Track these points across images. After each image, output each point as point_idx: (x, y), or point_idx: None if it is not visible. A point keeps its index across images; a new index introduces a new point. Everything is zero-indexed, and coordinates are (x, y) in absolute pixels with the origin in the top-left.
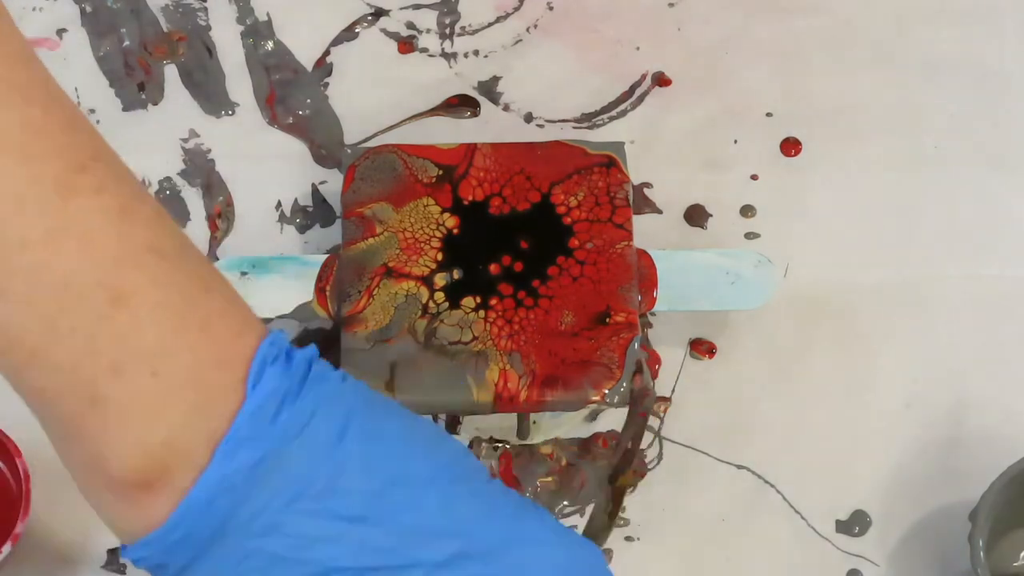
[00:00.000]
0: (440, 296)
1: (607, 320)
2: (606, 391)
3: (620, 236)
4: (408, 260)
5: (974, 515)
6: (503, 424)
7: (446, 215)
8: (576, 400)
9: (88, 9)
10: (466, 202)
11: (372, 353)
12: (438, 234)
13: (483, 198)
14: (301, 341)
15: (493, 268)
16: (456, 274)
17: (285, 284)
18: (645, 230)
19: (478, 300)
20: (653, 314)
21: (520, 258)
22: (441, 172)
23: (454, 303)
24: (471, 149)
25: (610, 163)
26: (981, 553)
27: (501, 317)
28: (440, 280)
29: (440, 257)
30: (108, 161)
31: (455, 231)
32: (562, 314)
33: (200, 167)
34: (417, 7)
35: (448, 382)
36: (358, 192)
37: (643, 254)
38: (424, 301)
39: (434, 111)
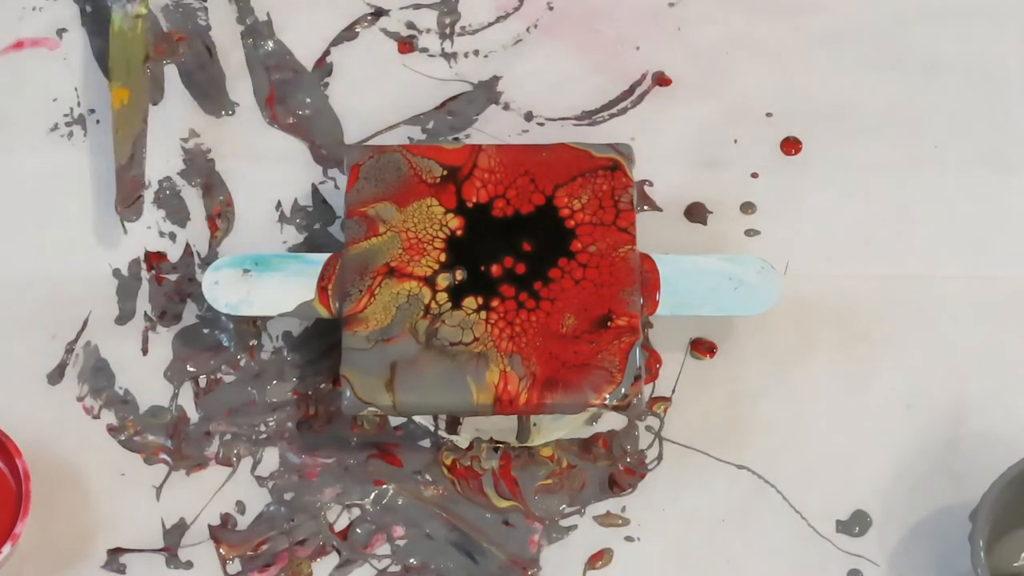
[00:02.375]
0: (442, 297)
1: (608, 324)
2: (606, 395)
3: (623, 240)
4: (411, 260)
5: (974, 515)
6: (503, 426)
7: (449, 216)
8: (576, 403)
9: (88, 9)
10: (470, 203)
11: (373, 352)
12: (441, 235)
13: (487, 199)
14: (304, 339)
15: (495, 270)
16: (459, 275)
17: (287, 282)
18: (645, 227)
19: (480, 301)
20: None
21: (523, 260)
22: (445, 172)
23: (456, 304)
24: (476, 150)
25: (614, 166)
26: (981, 553)
27: (503, 319)
28: (442, 281)
29: (443, 258)
30: None
31: (458, 232)
32: (563, 317)
33: (200, 167)
34: (417, 7)
35: (448, 383)
36: (362, 191)
37: (646, 258)
38: (426, 301)
39: (434, 111)
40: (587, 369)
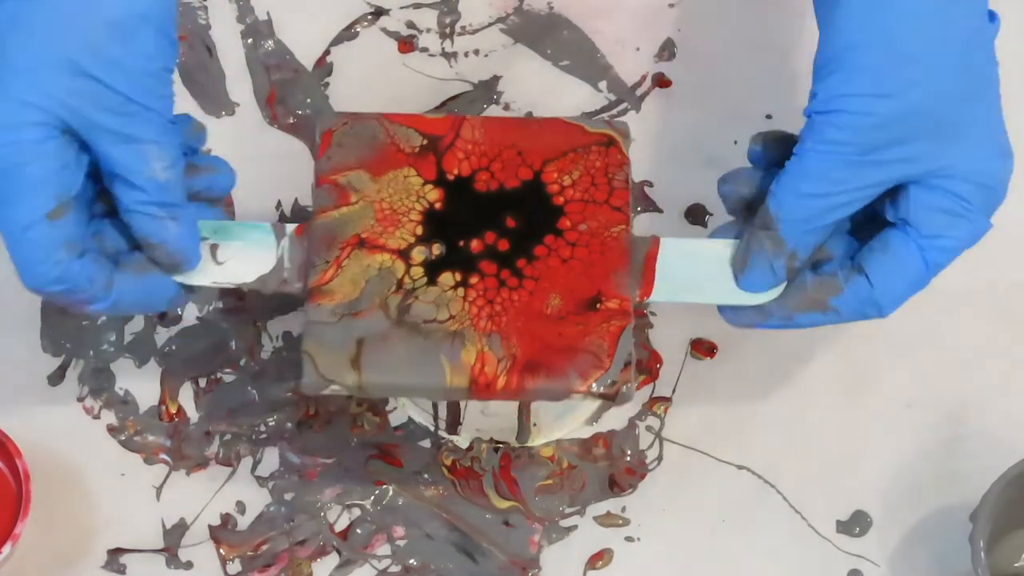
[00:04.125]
0: (417, 271)
1: (597, 306)
2: (593, 381)
3: (616, 219)
4: (384, 232)
5: (975, 516)
6: (503, 425)
7: (428, 187)
8: (559, 389)
9: None
10: (450, 175)
11: (338, 327)
12: (418, 207)
13: (469, 172)
14: None
15: (476, 245)
16: (435, 249)
17: (248, 251)
18: (646, 229)
19: (458, 278)
20: (653, 313)
21: (506, 236)
22: (425, 142)
23: (432, 279)
24: (459, 120)
25: (609, 142)
26: (982, 554)
27: (482, 297)
28: (418, 255)
29: (419, 231)
30: None
31: (437, 205)
32: (548, 297)
33: None
34: (417, 6)
35: (420, 362)
36: (333, 158)
37: (646, 240)
38: (399, 276)
39: (434, 111)
40: (573, 352)
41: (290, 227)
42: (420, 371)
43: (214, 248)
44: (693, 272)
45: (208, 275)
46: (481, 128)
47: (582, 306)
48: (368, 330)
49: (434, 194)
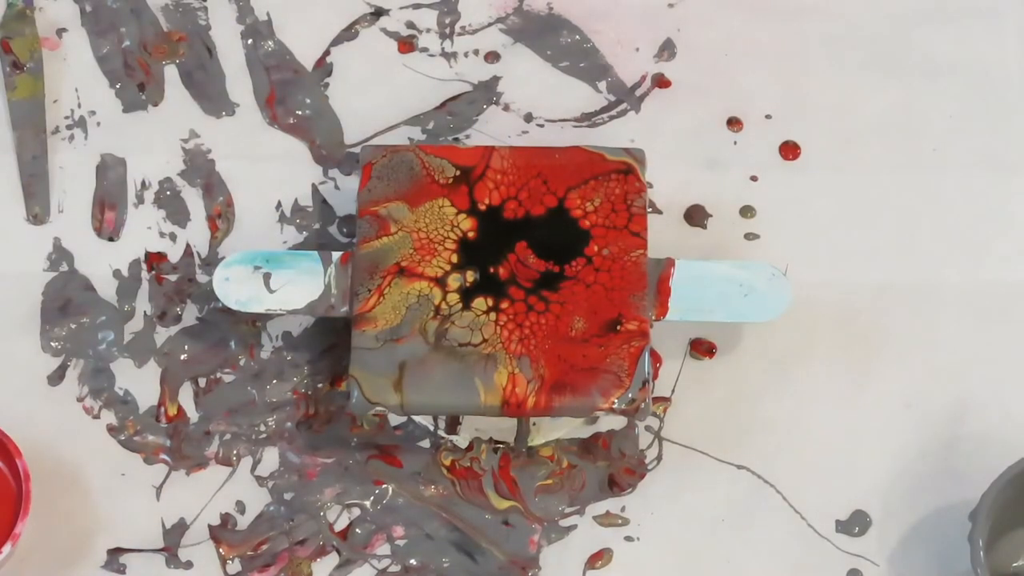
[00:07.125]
0: (453, 297)
1: (618, 328)
2: (614, 399)
3: (635, 244)
4: (422, 260)
5: (974, 515)
6: (503, 425)
7: (461, 216)
8: (583, 407)
9: (88, 9)
10: (482, 204)
11: (382, 352)
12: (453, 235)
13: (499, 201)
14: (303, 339)
15: (505, 271)
16: (469, 276)
17: (298, 279)
18: None
19: (490, 303)
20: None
21: (533, 262)
22: (458, 173)
23: (466, 305)
24: (489, 151)
25: (627, 170)
26: (981, 553)
27: (512, 321)
28: (453, 282)
29: (454, 259)
30: None
31: (470, 233)
32: (573, 320)
33: (200, 167)
34: (417, 7)
35: (457, 384)
36: (374, 190)
37: (660, 263)
38: (436, 302)
39: (434, 111)
40: (595, 373)
41: (335, 255)
42: (457, 393)
43: (267, 277)
44: (705, 293)
45: (262, 303)
46: (509, 158)
47: (604, 328)
48: (409, 354)
49: (467, 223)
